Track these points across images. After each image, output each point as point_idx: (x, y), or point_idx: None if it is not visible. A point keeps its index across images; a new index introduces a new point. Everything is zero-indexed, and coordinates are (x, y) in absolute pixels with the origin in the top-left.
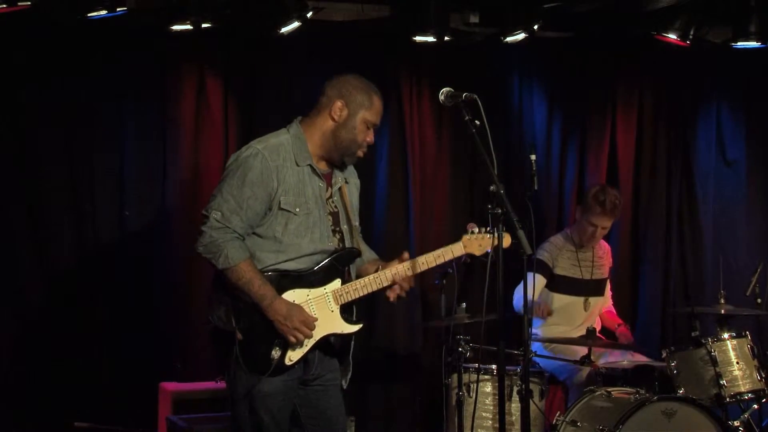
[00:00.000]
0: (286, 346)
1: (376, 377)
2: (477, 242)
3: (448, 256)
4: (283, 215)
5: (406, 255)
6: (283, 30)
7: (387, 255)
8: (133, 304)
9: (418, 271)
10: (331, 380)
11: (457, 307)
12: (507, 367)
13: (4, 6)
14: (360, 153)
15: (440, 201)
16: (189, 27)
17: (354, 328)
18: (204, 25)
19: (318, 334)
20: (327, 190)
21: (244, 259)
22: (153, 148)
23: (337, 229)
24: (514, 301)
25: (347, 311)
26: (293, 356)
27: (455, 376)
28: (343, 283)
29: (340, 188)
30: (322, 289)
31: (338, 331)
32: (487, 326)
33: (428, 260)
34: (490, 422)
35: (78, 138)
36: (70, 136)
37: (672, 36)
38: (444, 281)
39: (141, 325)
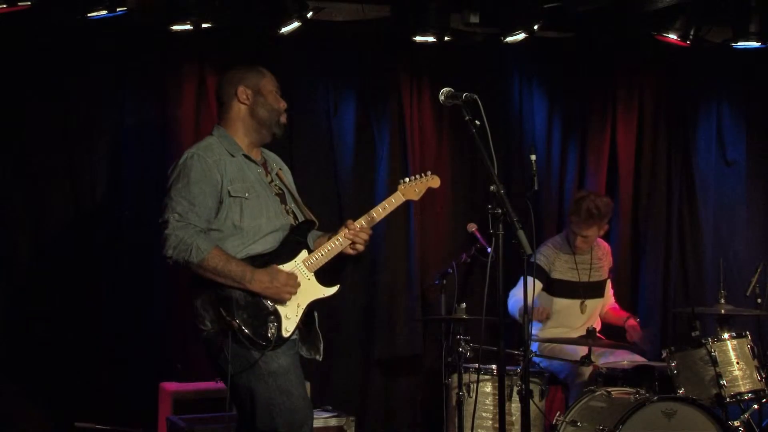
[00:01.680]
0: (279, 319)
1: (376, 377)
2: (413, 188)
3: (391, 206)
4: (236, 202)
5: (350, 222)
6: (284, 30)
7: (387, 255)
8: (133, 304)
9: (371, 224)
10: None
11: (456, 307)
12: (507, 367)
13: (4, 6)
14: (283, 119)
15: (440, 201)
16: (189, 27)
17: (333, 289)
18: (204, 25)
19: (304, 302)
20: (267, 175)
21: (214, 245)
22: (153, 147)
23: (287, 207)
24: (509, 306)
25: (321, 276)
26: (288, 326)
27: (455, 376)
28: (309, 252)
29: (277, 173)
30: (292, 262)
31: (321, 295)
32: (487, 326)
33: (377, 213)
34: (490, 422)
35: (78, 138)
36: (70, 136)
37: (672, 36)
38: (444, 281)
39: (141, 325)
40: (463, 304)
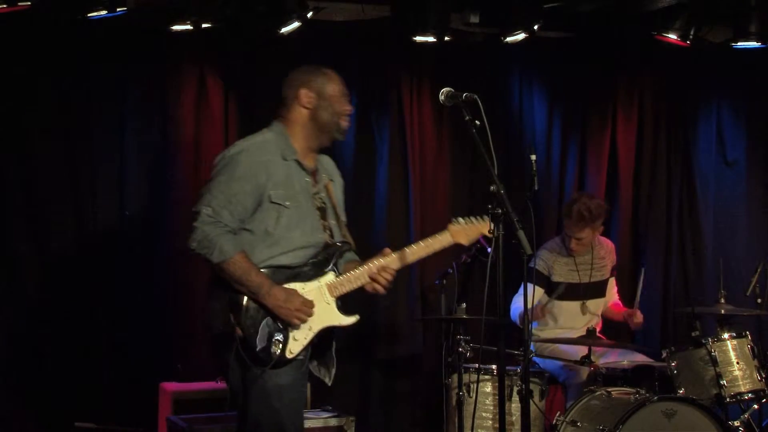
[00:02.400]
0: (286, 339)
1: (376, 377)
2: (464, 232)
3: (437, 246)
4: (274, 209)
5: (387, 251)
6: (284, 30)
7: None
8: (133, 303)
9: (408, 262)
10: (306, 381)
11: (457, 308)
12: (507, 367)
13: (4, 6)
14: (345, 124)
15: (440, 201)
16: (189, 27)
17: (351, 320)
18: (204, 25)
19: (316, 326)
20: (314, 186)
21: (238, 251)
22: (153, 147)
23: (326, 223)
24: (511, 313)
25: (342, 304)
26: (294, 348)
27: (455, 376)
28: (336, 276)
29: (325, 185)
30: (316, 282)
31: (335, 323)
32: (487, 326)
33: (416, 251)
34: (490, 422)
35: (78, 138)
36: (71, 136)
37: (672, 36)
38: (444, 281)
39: (141, 325)
40: (463, 305)
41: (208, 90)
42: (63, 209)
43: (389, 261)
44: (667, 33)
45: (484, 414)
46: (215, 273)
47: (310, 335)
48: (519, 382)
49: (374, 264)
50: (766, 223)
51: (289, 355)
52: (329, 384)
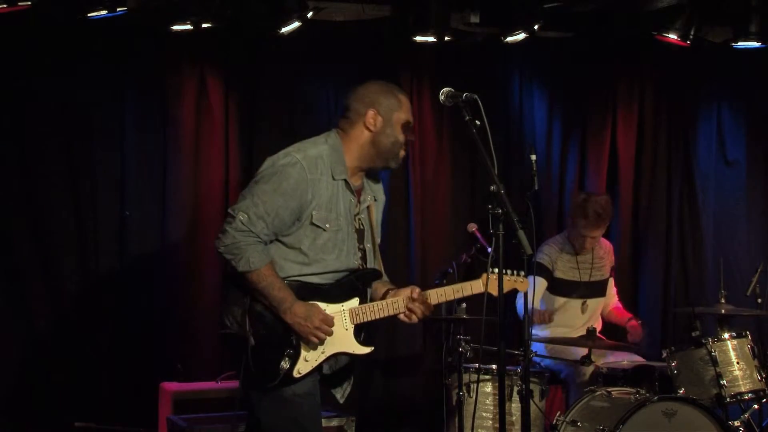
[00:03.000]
0: (297, 358)
1: (376, 377)
2: (495, 283)
3: (467, 292)
4: (312, 230)
5: (416, 291)
6: (284, 30)
7: (388, 255)
8: (133, 303)
9: (434, 302)
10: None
11: (457, 307)
12: (507, 367)
13: (4, 6)
14: (402, 152)
15: (441, 201)
16: (189, 27)
17: (365, 350)
18: (204, 25)
19: (329, 350)
20: (356, 206)
21: (266, 263)
22: (154, 148)
23: (361, 246)
24: (518, 308)
25: (360, 332)
26: (302, 369)
27: (455, 376)
28: (361, 302)
29: (368, 206)
30: (339, 305)
31: (349, 350)
32: (487, 326)
33: (446, 293)
34: (491, 422)
35: (78, 138)
36: (71, 136)
37: (672, 36)
38: (444, 281)
39: (142, 325)
40: (464, 304)
41: (208, 90)
42: (62, 209)
43: (429, 294)
44: (667, 33)
45: (484, 414)
46: (234, 273)
47: (322, 358)
48: (519, 382)
49: (403, 298)
50: (766, 223)
51: (296, 375)
52: (341, 402)
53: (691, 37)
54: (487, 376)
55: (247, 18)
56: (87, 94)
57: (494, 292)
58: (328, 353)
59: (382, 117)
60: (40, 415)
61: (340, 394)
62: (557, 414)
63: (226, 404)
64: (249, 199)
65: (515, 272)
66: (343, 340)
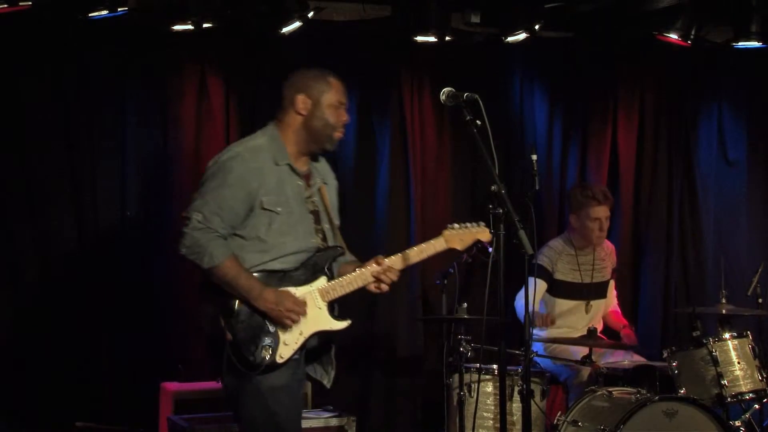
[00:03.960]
0: (277, 343)
1: (377, 377)
2: (458, 237)
3: (431, 251)
4: (265, 215)
5: (380, 258)
6: (284, 30)
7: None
8: (134, 303)
9: (408, 264)
10: (303, 383)
11: (458, 307)
12: (508, 367)
13: (5, 6)
14: (338, 134)
15: (441, 201)
16: (190, 27)
17: (342, 324)
18: (205, 25)
19: (308, 331)
20: (306, 189)
21: (228, 256)
22: (154, 148)
23: (319, 227)
24: (517, 309)
25: (333, 308)
26: (284, 353)
27: (456, 376)
28: (328, 280)
29: (319, 188)
30: (308, 286)
31: (327, 327)
32: (488, 326)
33: (411, 255)
34: (491, 422)
35: (79, 138)
36: (72, 136)
37: (673, 36)
38: (445, 281)
39: (142, 325)
40: (464, 304)
41: (209, 90)
42: (63, 209)
43: (393, 262)
44: (668, 33)
45: (485, 414)
46: (206, 276)
47: (301, 339)
48: (520, 382)
49: (369, 269)
50: (766, 223)
51: (279, 360)
52: (328, 387)
53: (691, 37)
54: (487, 376)
55: (247, 18)
56: (87, 94)
57: (457, 246)
58: (307, 334)
59: (312, 100)
60: (40, 415)
61: (327, 380)
62: (558, 414)
63: (227, 404)
64: (200, 199)
65: (473, 223)
66: (318, 319)
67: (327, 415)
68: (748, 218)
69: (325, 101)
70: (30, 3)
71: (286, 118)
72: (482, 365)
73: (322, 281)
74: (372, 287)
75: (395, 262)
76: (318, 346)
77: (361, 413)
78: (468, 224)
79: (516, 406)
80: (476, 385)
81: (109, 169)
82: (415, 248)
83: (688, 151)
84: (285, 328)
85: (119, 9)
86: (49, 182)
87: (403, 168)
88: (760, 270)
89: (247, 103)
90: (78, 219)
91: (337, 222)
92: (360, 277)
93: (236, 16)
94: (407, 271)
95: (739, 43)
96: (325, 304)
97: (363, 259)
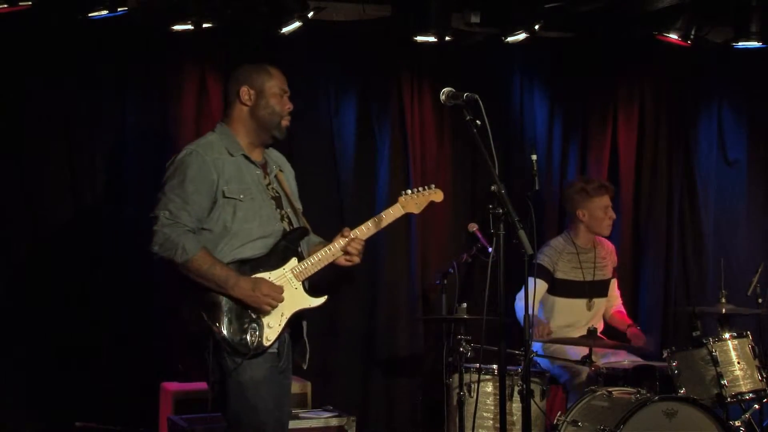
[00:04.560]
0: (261, 327)
1: (377, 377)
2: (413, 201)
3: (390, 219)
4: (229, 203)
5: (346, 230)
6: (284, 30)
7: (389, 255)
8: (134, 303)
9: (369, 234)
10: (287, 380)
11: (458, 307)
12: (508, 367)
13: (5, 6)
14: (285, 122)
15: (441, 201)
16: (190, 27)
17: (320, 300)
18: (205, 25)
19: (288, 311)
20: (265, 177)
21: (200, 248)
22: (154, 148)
23: (283, 212)
24: (517, 311)
25: (309, 286)
26: (270, 335)
27: (456, 376)
28: (299, 260)
29: (276, 175)
30: (281, 269)
31: (306, 305)
32: (488, 326)
33: (371, 225)
34: (491, 422)
35: (79, 138)
36: (71, 136)
37: (673, 36)
38: (445, 281)
39: (142, 325)
40: (464, 304)
41: (209, 90)
42: (63, 209)
43: (357, 233)
44: (668, 33)
45: (485, 414)
46: (181, 276)
47: (284, 321)
48: (520, 382)
49: (337, 244)
50: (766, 223)
51: (266, 343)
52: (305, 368)
53: (691, 37)
54: (487, 376)
55: (247, 18)
56: (87, 94)
57: (414, 210)
58: (288, 314)
59: (255, 90)
60: (40, 415)
61: (303, 362)
62: (558, 414)
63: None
64: (164, 198)
65: (426, 186)
66: (296, 299)
67: (327, 415)
68: (748, 218)
69: (269, 90)
70: (30, 3)
71: (234, 113)
72: (482, 365)
73: (293, 262)
74: (342, 260)
75: (359, 232)
76: (292, 331)
77: (362, 413)
78: (421, 188)
79: (516, 406)
80: (476, 385)
81: (109, 169)
82: (374, 218)
83: (688, 151)
84: (264, 312)
85: (119, 9)
86: (49, 182)
87: (403, 168)
88: (760, 270)
89: None
90: (78, 218)
91: (299, 206)
92: (329, 252)
93: (236, 16)
94: (407, 271)
95: (739, 43)
96: (300, 283)
97: (397, 284)
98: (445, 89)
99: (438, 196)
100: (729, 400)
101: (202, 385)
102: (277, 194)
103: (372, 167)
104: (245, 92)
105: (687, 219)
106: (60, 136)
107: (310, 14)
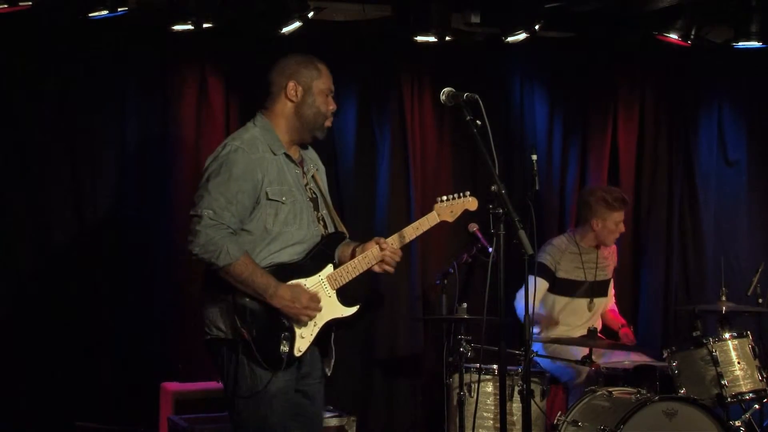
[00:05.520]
0: (293, 338)
1: (377, 377)
2: (448, 209)
3: (425, 226)
4: (271, 206)
5: (381, 240)
6: (285, 30)
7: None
8: (134, 303)
9: (405, 242)
10: (316, 380)
11: (458, 307)
12: (508, 367)
13: (5, 6)
14: (328, 123)
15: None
16: (190, 27)
17: (352, 310)
18: (205, 25)
19: (321, 320)
20: (303, 177)
21: (244, 252)
22: (154, 148)
23: (319, 214)
24: (517, 309)
25: (342, 295)
26: (301, 346)
27: (456, 376)
28: (335, 267)
29: (313, 175)
30: (317, 276)
31: (339, 315)
32: (488, 326)
33: (406, 233)
34: (491, 422)
35: (79, 138)
36: (71, 136)
37: (673, 36)
38: (445, 281)
39: (142, 325)
40: (464, 304)
41: (209, 90)
42: (63, 209)
43: (392, 241)
44: (668, 33)
45: (485, 414)
46: (213, 277)
47: (316, 331)
48: (520, 382)
49: (373, 251)
50: (766, 223)
51: (297, 353)
52: (328, 374)
53: (691, 37)
54: (488, 376)
55: (247, 18)
56: (87, 94)
57: (448, 218)
58: (321, 323)
59: (302, 87)
60: (40, 415)
61: (328, 367)
62: (558, 414)
63: (226, 405)
64: (207, 196)
65: (460, 194)
66: (330, 308)
67: (327, 415)
68: (748, 218)
69: (316, 88)
70: (30, 3)
71: (277, 107)
72: (482, 365)
73: (329, 269)
74: (376, 268)
75: (394, 241)
76: (319, 337)
77: (362, 413)
78: (455, 195)
79: (516, 406)
80: (476, 385)
81: (108, 169)
82: (410, 227)
83: (688, 151)
84: (301, 324)
85: (119, 9)
86: (49, 182)
87: (404, 168)
88: (760, 270)
89: (246, 104)
90: (78, 218)
91: (331, 206)
92: (365, 260)
93: (236, 16)
94: (407, 271)
95: (739, 43)
96: (334, 291)
97: (398, 284)
98: (445, 89)
99: (472, 204)
100: (729, 400)
101: (201, 385)
102: (314, 195)
103: (372, 167)
104: (292, 88)
105: (687, 219)
106: (60, 136)
107: (310, 14)
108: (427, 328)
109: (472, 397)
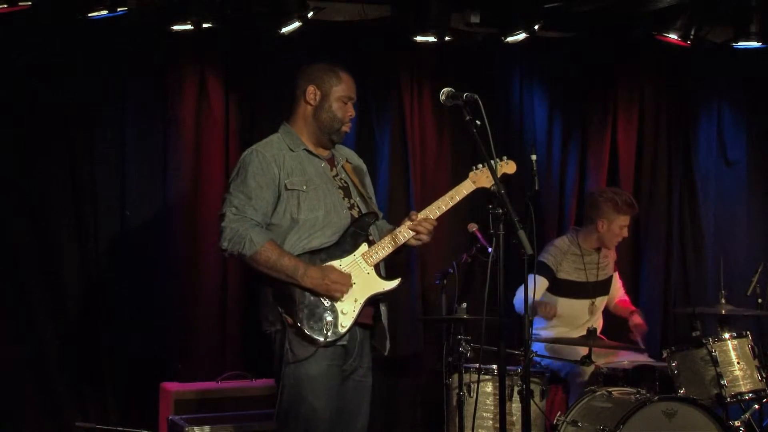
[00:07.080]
0: (336, 314)
1: (376, 377)
2: (485, 175)
3: (461, 196)
4: (293, 195)
5: (413, 214)
6: (284, 30)
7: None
8: (134, 304)
9: (442, 212)
10: (364, 378)
11: (457, 307)
12: (508, 367)
13: (5, 6)
14: (345, 129)
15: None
16: (190, 27)
17: (394, 283)
18: (205, 25)
19: (362, 296)
20: (331, 169)
21: (269, 239)
22: (154, 148)
23: (351, 201)
24: (516, 304)
25: (380, 270)
26: (345, 322)
27: (456, 376)
28: (369, 245)
29: (342, 166)
30: (351, 256)
31: (380, 290)
32: (488, 326)
33: (442, 204)
34: (491, 422)
35: (79, 138)
36: (71, 136)
37: (673, 36)
38: (444, 281)
39: (142, 325)
40: (464, 304)
41: (209, 90)
42: (63, 209)
43: (427, 212)
44: (668, 33)
45: (484, 414)
46: (254, 274)
47: (358, 306)
48: (519, 382)
49: (405, 226)
50: (766, 224)
51: (341, 330)
52: (385, 354)
53: (691, 37)
54: (487, 376)
55: (247, 18)
56: (87, 94)
57: (485, 184)
58: (362, 299)
59: (321, 92)
60: (40, 415)
61: (383, 348)
62: (558, 414)
63: (227, 404)
64: (229, 197)
65: (497, 158)
66: (369, 284)
67: None
68: (747, 218)
69: (334, 94)
70: (30, 3)
71: (299, 109)
72: (482, 365)
73: (363, 247)
74: (412, 241)
75: (431, 212)
76: (372, 317)
77: None
78: (494, 161)
79: (515, 406)
80: (476, 385)
81: (108, 169)
82: (445, 196)
83: (688, 151)
84: (336, 299)
85: (119, 9)
86: (49, 182)
87: (403, 168)
88: (759, 270)
89: (246, 104)
90: (78, 218)
91: (371, 194)
92: (399, 236)
93: (236, 16)
94: (407, 271)
95: (739, 43)
96: (372, 267)
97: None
98: (445, 89)
99: (511, 167)
100: (729, 400)
101: (202, 385)
102: (345, 184)
103: (372, 167)
104: (311, 91)
105: (686, 219)
106: (60, 136)
107: (310, 14)
108: (426, 328)
109: (472, 397)
